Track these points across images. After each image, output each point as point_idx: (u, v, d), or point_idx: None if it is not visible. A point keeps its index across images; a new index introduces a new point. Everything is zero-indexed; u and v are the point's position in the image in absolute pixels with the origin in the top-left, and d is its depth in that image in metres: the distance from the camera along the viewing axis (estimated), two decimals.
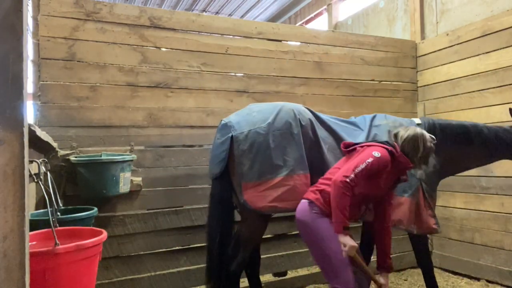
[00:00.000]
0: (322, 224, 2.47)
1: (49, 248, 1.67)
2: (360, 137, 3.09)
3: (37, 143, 2.41)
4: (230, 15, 9.04)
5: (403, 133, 2.60)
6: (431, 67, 4.69)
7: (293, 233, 4.08)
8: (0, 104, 1.16)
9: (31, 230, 1.62)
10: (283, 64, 4.09)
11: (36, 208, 2.82)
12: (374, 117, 3.29)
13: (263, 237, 3.26)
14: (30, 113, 2.70)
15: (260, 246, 3.38)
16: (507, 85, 3.89)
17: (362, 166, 2.37)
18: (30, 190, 2.65)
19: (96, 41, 3.33)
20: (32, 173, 1.84)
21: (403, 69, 4.78)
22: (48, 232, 1.89)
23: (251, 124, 2.86)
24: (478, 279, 4.13)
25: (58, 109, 3.18)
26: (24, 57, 1.19)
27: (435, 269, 3.56)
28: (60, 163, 3.08)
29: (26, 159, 1.20)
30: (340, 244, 2.35)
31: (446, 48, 4.51)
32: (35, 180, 1.92)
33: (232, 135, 2.83)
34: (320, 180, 2.66)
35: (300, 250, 4.07)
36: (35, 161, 2.19)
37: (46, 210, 2.17)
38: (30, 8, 3.10)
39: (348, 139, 2.99)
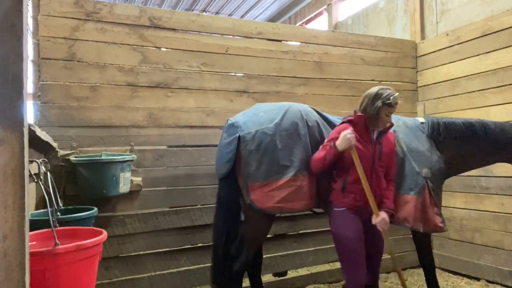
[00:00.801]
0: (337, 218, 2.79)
1: (49, 248, 1.67)
2: None
3: (37, 143, 2.40)
4: (230, 15, 9.04)
5: None
6: (431, 67, 4.69)
7: (293, 233, 4.08)
8: (0, 104, 1.16)
9: (31, 230, 1.62)
10: (283, 64, 4.09)
11: (36, 208, 2.82)
12: None
13: None
14: (30, 113, 2.70)
15: (262, 246, 3.37)
16: (507, 85, 3.89)
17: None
18: (30, 190, 2.65)
19: (96, 41, 3.33)
20: (32, 173, 1.84)
21: (403, 69, 4.78)
22: (48, 232, 1.89)
23: (258, 125, 2.86)
24: (478, 279, 4.13)
25: (58, 109, 3.18)
26: (24, 57, 1.20)
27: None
28: (60, 163, 3.08)
29: (26, 159, 1.20)
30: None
31: (446, 48, 4.50)
32: (35, 180, 1.92)
33: (239, 135, 2.83)
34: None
35: (300, 250, 4.07)
36: (35, 161, 2.19)
37: (46, 210, 2.17)
38: (30, 8, 3.09)
39: None
